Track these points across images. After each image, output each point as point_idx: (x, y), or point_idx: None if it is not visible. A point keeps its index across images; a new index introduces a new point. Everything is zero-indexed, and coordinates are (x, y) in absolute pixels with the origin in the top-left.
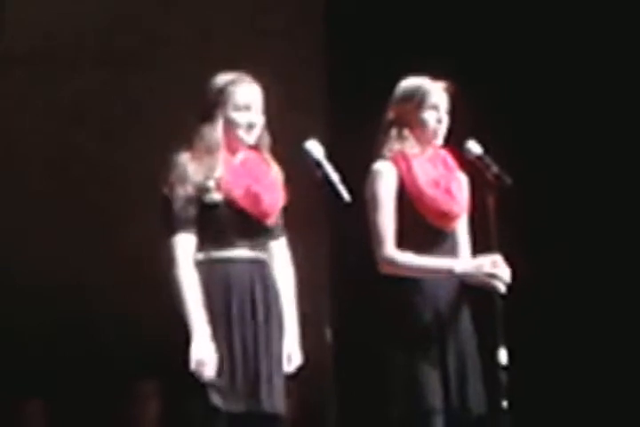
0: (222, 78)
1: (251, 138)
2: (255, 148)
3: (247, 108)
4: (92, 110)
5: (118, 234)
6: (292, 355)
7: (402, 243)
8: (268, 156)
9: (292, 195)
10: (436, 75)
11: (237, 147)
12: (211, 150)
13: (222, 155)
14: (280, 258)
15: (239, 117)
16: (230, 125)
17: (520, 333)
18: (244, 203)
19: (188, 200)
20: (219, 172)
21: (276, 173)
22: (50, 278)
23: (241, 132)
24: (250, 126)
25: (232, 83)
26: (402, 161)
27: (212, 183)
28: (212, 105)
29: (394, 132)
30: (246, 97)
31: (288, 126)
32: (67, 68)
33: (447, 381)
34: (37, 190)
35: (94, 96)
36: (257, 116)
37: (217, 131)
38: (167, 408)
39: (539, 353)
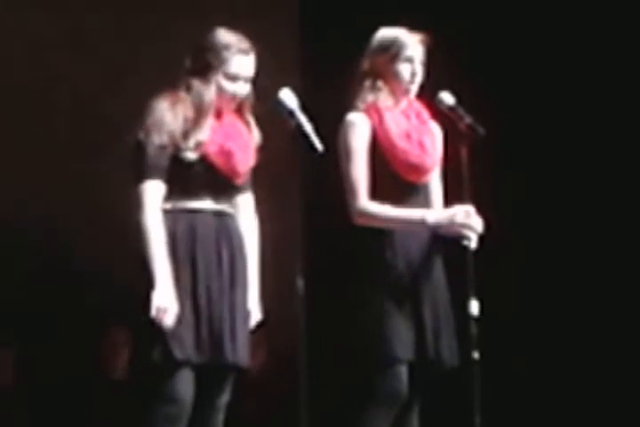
0: (221, 39)
1: (233, 104)
2: (237, 109)
3: (238, 78)
4: (88, 48)
5: (95, 181)
6: (252, 311)
7: (374, 196)
8: (249, 117)
9: (265, 145)
10: (411, 26)
11: (221, 111)
12: (201, 110)
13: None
14: (246, 212)
15: (228, 86)
16: (219, 91)
17: (491, 284)
18: (216, 159)
19: (162, 148)
20: (204, 135)
21: (252, 134)
22: (20, 223)
23: (227, 99)
24: (235, 96)
25: (228, 48)
26: (374, 113)
27: (191, 144)
28: (205, 65)
29: (367, 83)
30: (239, 68)
31: (261, 75)
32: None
33: (422, 332)
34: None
35: (91, 35)
36: (245, 87)
37: (210, 93)
38: (133, 357)
39: (509, 304)
